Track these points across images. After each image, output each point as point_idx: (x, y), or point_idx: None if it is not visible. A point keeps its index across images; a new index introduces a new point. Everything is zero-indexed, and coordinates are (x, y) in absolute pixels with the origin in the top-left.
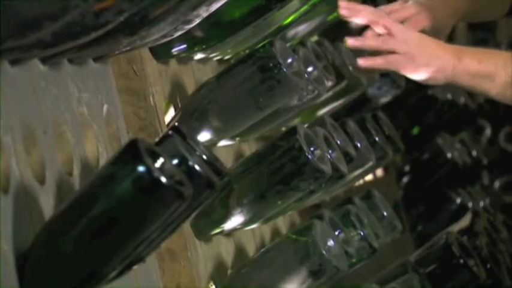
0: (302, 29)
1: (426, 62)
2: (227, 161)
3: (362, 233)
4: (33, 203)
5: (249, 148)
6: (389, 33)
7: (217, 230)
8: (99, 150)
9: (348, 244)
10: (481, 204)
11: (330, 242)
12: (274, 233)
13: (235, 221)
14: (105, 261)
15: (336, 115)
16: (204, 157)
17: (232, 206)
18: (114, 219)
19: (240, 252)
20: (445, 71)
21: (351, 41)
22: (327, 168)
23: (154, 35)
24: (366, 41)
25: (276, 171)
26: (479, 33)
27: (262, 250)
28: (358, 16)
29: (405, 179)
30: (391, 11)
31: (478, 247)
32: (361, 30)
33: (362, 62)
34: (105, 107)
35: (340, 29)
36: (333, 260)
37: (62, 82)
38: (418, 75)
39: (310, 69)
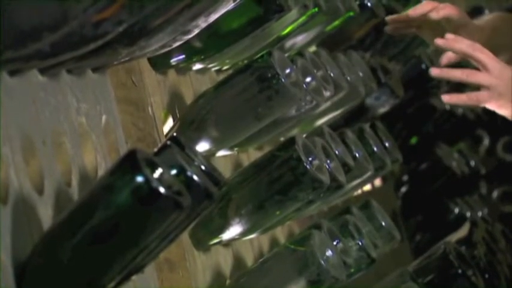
0: (300, 39)
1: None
2: (225, 171)
3: (360, 243)
4: (32, 213)
5: (248, 158)
6: (483, 67)
7: (216, 240)
8: (97, 160)
9: (346, 254)
10: (479, 214)
11: (328, 252)
12: (273, 243)
13: (233, 231)
14: (104, 272)
15: (334, 125)
16: (203, 167)
17: (230, 216)
18: (113, 230)
19: (238, 262)
20: None
21: (447, 98)
22: (325, 178)
23: (153, 45)
24: (451, 73)
25: (275, 182)
26: None
27: (260, 260)
28: (454, 47)
29: (403, 189)
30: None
31: (476, 257)
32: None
33: (447, 98)
34: (103, 117)
35: (338, 39)
36: (331, 270)
37: (60, 92)
38: (503, 111)
39: (308, 79)
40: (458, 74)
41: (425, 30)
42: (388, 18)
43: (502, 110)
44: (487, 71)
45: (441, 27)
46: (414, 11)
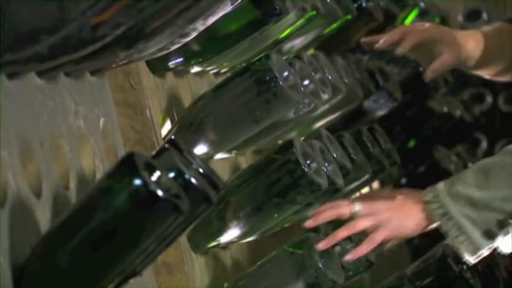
0: (298, 42)
1: (402, 224)
2: (223, 174)
3: None
4: (30, 216)
5: (246, 161)
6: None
7: (214, 243)
8: (95, 163)
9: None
10: None
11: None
12: (271, 246)
13: (231, 234)
14: (102, 275)
15: (332, 128)
16: (201, 170)
17: (228, 219)
18: (111, 233)
19: (236, 265)
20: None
21: (321, 245)
22: (323, 181)
23: (151, 48)
24: (336, 239)
25: (273, 184)
26: None
27: (258, 263)
28: (322, 219)
29: None
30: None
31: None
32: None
33: (350, 258)
34: (101, 120)
35: (336, 42)
36: (329, 273)
37: (58, 95)
38: (405, 230)
39: (306, 82)
40: (344, 233)
41: (412, 51)
42: (363, 41)
43: (404, 230)
44: (366, 216)
45: (425, 43)
46: (385, 41)
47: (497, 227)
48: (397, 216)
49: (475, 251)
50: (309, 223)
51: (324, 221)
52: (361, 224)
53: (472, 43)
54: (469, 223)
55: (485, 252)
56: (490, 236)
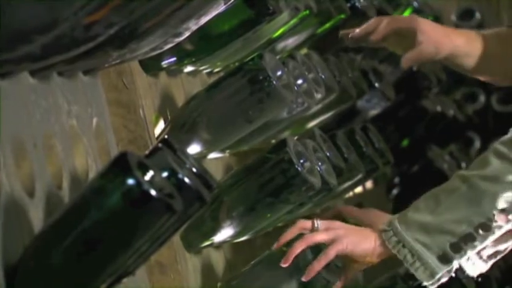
0: (291, 41)
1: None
2: (217, 173)
3: None
4: (23, 216)
5: (239, 161)
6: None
7: (207, 243)
8: (88, 163)
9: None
10: None
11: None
12: (264, 245)
13: (225, 233)
14: (95, 274)
15: (325, 127)
16: (194, 170)
17: (222, 218)
18: (104, 232)
19: (230, 264)
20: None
21: (283, 262)
22: (316, 181)
23: (144, 48)
24: (296, 250)
25: (266, 184)
26: None
27: (252, 262)
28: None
29: (395, 191)
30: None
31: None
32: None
33: (305, 278)
34: (94, 119)
35: (330, 41)
36: (323, 272)
37: (51, 95)
38: (364, 246)
39: (299, 81)
40: (302, 245)
41: (390, 41)
42: (341, 33)
43: (359, 249)
44: (323, 230)
45: (408, 38)
46: (360, 31)
47: (452, 250)
48: (354, 235)
49: (432, 275)
50: (275, 246)
51: (289, 238)
52: (318, 237)
53: (461, 39)
54: (423, 248)
55: (443, 277)
56: (446, 260)
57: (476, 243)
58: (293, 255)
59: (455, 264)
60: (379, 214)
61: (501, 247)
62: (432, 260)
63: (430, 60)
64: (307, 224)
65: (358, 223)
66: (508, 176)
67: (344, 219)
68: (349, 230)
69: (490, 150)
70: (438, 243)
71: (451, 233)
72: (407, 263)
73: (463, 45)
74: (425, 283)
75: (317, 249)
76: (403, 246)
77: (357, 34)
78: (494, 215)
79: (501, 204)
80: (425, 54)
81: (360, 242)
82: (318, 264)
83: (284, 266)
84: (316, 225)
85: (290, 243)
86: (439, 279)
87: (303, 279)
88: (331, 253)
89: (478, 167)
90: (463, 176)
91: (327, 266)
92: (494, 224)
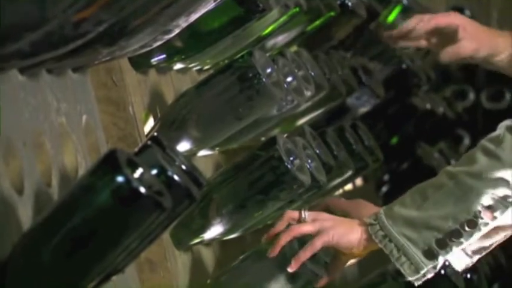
0: (281, 39)
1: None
2: (206, 171)
3: None
4: (12, 214)
5: (229, 158)
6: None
7: (197, 240)
8: (78, 160)
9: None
10: None
11: None
12: (254, 241)
13: (214, 231)
14: (84, 272)
15: (315, 125)
16: (183, 167)
17: (211, 216)
18: (93, 230)
19: (219, 262)
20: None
21: (270, 253)
22: (306, 178)
23: (134, 45)
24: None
25: (256, 181)
26: None
27: (240, 258)
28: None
29: (384, 189)
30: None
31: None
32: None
33: (291, 268)
34: (84, 117)
35: (319, 39)
36: (311, 266)
37: (40, 92)
38: (348, 239)
39: (289, 79)
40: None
41: (430, 40)
42: (385, 34)
43: (345, 240)
44: (310, 222)
45: (449, 36)
46: (400, 29)
47: (437, 246)
48: (340, 227)
49: (417, 270)
50: (265, 238)
51: (278, 230)
52: (304, 228)
53: (501, 39)
54: (408, 243)
55: (428, 273)
56: (432, 255)
57: (462, 239)
58: (280, 246)
59: (440, 260)
60: (367, 206)
61: (486, 243)
62: (418, 255)
63: (469, 57)
64: (295, 214)
65: (346, 215)
66: (494, 173)
67: (332, 213)
68: (336, 222)
69: (478, 147)
70: (424, 238)
71: (437, 229)
72: (393, 257)
73: (502, 45)
74: (409, 278)
75: (304, 240)
76: (390, 240)
77: (398, 33)
78: (480, 212)
79: (487, 201)
80: (465, 51)
81: (346, 233)
82: (304, 255)
83: (271, 256)
84: (303, 216)
85: (279, 237)
86: (424, 275)
87: (289, 269)
88: (317, 244)
89: (466, 164)
90: (450, 173)
91: (314, 259)
92: (480, 221)
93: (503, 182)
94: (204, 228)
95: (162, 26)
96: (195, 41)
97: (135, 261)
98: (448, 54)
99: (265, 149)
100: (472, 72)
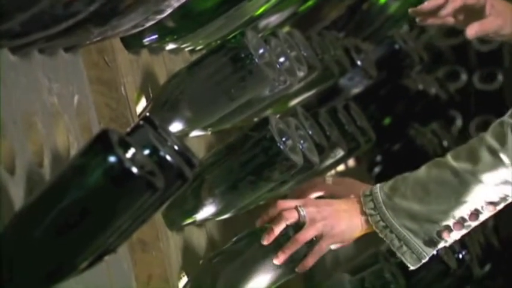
0: (274, 19)
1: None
2: (199, 151)
3: None
4: (3, 194)
5: (221, 139)
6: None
7: (189, 221)
8: (70, 140)
9: None
10: None
11: None
12: (246, 223)
13: (207, 211)
14: (76, 252)
15: (307, 106)
16: (176, 147)
17: (204, 196)
18: (85, 210)
19: (212, 242)
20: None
21: (279, 259)
22: (298, 159)
23: (125, 25)
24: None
25: (248, 162)
26: None
27: (233, 240)
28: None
29: (377, 169)
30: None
31: None
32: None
33: (299, 270)
34: (76, 97)
35: (312, 19)
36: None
37: (32, 72)
38: (350, 232)
39: (281, 59)
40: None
41: (458, 17)
42: (411, 11)
43: (347, 236)
44: (310, 226)
45: (476, 13)
46: (428, 4)
47: (438, 236)
48: (341, 223)
49: (418, 259)
50: (259, 222)
51: (271, 216)
52: (307, 235)
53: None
54: (410, 234)
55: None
56: (432, 244)
57: (462, 230)
58: (287, 255)
59: (440, 246)
60: (354, 186)
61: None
62: (419, 245)
63: (494, 33)
64: (293, 214)
65: (336, 198)
66: (499, 174)
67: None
68: (336, 217)
69: (482, 143)
70: (425, 230)
71: (439, 222)
72: (393, 246)
73: None
74: (412, 267)
75: (297, 226)
76: (391, 231)
77: (426, 9)
78: (483, 207)
79: (491, 198)
80: (491, 26)
81: (348, 229)
82: (312, 260)
83: (265, 244)
84: (302, 213)
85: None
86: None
87: (275, 261)
88: (323, 248)
89: (469, 160)
90: (454, 169)
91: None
92: (481, 215)
93: (507, 182)
94: (197, 208)
95: (154, 5)
96: (188, 21)
97: (127, 241)
98: (474, 29)
99: (257, 129)
100: (464, 53)
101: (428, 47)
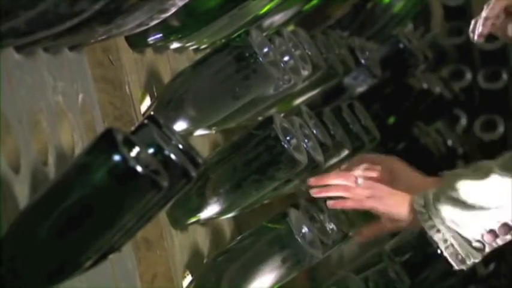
0: (278, 18)
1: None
2: (203, 150)
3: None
4: (8, 192)
5: (225, 138)
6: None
7: (194, 219)
8: (74, 139)
9: (323, 232)
10: None
11: (305, 230)
12: (251, 222)
13: (211, 210)
14: (81, 251)
15: (312, 104)
16: (180, 146)
17: (208, 195)
18: (90, 209)
19: (216, 241)
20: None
21: (331, 203)
22: (302, 158)
23: (130, 23)
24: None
25: (252, 161)
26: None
27: (237, 238)
28: (328, 185)
29: None
30: None
31: None
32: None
33: (331, 203)
34: (80, 96)
35: (316, 18)
36: (308, 248)
37: (37, 71)
38: (392, 214)
39: (286, 58)
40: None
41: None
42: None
43: (394, 211)
44: (365, 188)
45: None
46: (491, 11)
47: (486, 240)
48: (391, 199)
49: (463, 262)
50: (313, 181)
51: (328, 182)
52: (357, 191)
53: None
54: (456, 236)
55: (476, 260)
56: (479, 248)
57: (508, 236)
58: (327, 193)
59: (487, 251)
60: (416, 178)
61: None
62: (466, 246)
63: (503, 34)
64: (350, 177)
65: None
66: None
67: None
68: (388, 194)
69: None
70: (473, 233)
71: (484, 225)
72: (440, 247)
73: None
74: (456, 267)
75: None
76: (438, 231)
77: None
78: None
79: None
80: None
81: (396, 206)
82: (347, 203)
83: (315, 195)
84: (359, 182)
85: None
86: (470, 264)
87: (312, 192)
88: (366, 203)
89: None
90: (493, 172)
91: (311, 241)
92: None
93: None
94: (201, 207)
95: (158, 4)
96: (192, 20)
97: (131, 240)
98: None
99: (261, 128)
100: (469, 52)
101: (432, 46)
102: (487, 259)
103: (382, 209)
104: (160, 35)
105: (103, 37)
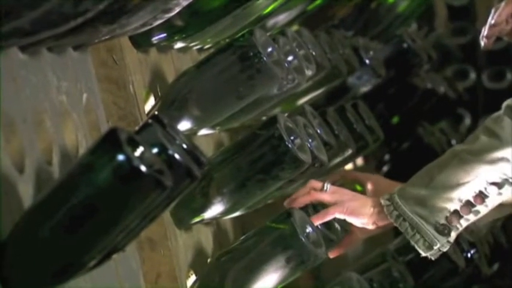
0: (282, 18)
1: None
2: (207, 150)
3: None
4: (12, 192)
5: (229, 137)
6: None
7: (198, 219)
8: (78, 139)
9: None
10: None
11: (309, 229)
12: (254, 221)
13: (215, 209)
14: (85, 250)
15: (316, 104)
16: (184, 146)
17: (212, 195)
18: (94, 208)
19: (220, 241)
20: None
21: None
22: (306, 157)
23: (134, 23)
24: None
25: (256, 160)
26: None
27: (241, 238)
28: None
29: (385, 168)
30: None
31: (457, 236)
32: None
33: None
34: (84, 95)
35: (320, 18)
36: (312, 248)
37: (41, 71)
38: (358, 216)
39: (290, 58)
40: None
41: None
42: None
43: (359, 214)
44: (330, 193)
45: None
46: (498, 17)
47: (448, 223)
48: (355, 202)
49: (430, 246)
50: (286, 202)
51: (301, 195)
52: (322, 196)
53: None
54: (421, 220)
55: (443, 247)
56: (444, 231)
57: (471, 215)
58: (298, 205)
59: (453, 235)
60: (384, 183)
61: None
62: (430, 231)
63: (508, 35)
64: (317, 184)
65: (362, 189)
66: (494, 151)
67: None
68: (353, 197)
69: (481, 127)
70: (435, 216)
71: (446, 207)
72: (408, 235)
73: None
74: (424, 254)
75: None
76: (404, 220)
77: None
78: (486, 188)
79: (492, 178)
80: None
81: (359, 208)
82: (316, 218)
83: (286, 205)
84: (325, 187)
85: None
86: (439, 250)
87: (285, 204)
88: (330, 211)
89: (468, 143)
90: (454, 151)
91: (315, 240)
92: (488, 199)
93: (504, 160)
94: (205, 207)
95: (162, 4)
96: (196, 20)
97: (135, 240)
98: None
99: (265, 128)
100: (473, 52)
101: (436, 45)
102: (491, 259)
103: (347, 213)
104: (164, 34)
105: (107, 37)
